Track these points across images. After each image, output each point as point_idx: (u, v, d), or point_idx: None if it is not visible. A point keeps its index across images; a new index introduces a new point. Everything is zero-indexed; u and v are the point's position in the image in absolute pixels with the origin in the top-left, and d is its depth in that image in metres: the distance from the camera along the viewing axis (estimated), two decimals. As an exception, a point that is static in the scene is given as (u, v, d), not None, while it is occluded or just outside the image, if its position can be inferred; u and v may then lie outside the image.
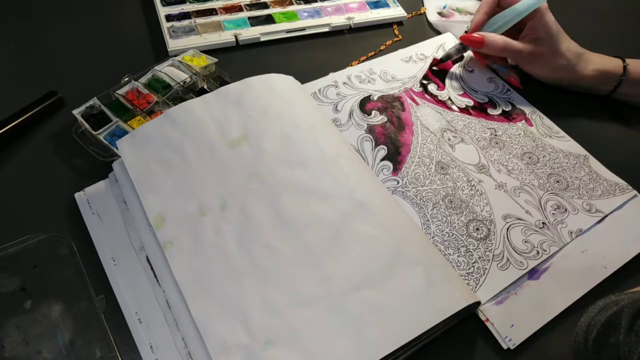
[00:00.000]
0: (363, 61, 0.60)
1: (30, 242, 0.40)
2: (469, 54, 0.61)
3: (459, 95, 0.57)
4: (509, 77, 0.59)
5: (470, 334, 0.40)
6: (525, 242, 0.45)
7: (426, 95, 0.57)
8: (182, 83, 0.52)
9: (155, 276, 0.39)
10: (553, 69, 0.56)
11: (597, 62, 0.56)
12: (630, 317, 0.33)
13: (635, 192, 0.50)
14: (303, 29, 0.63)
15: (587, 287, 0.43)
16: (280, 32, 0.62)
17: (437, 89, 0.58)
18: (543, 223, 0.46)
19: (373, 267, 0.38)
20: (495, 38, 0.55)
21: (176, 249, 0.38)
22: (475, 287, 0.42)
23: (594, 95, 0.58)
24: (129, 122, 0.49)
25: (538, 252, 0.44)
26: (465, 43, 0.57)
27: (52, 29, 0.60)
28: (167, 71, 0.53)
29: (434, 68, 0.60)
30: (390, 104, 0.55)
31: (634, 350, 0.31)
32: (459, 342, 0.40)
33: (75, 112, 0.49)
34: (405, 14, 0.67)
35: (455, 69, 0.60)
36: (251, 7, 0.64)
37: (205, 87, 0.54)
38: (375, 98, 0.55)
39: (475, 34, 0.55)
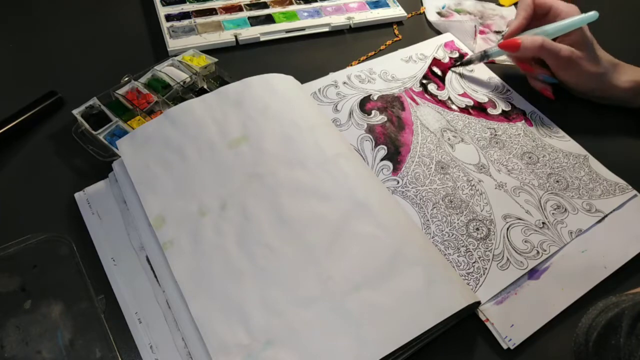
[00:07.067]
0: (363, 61, 0.60)
1: (30, 242, 0.40)
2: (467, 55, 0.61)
3: (459, 95, 0.57)
4: (544, 89, 0.57)
5: (470, 334, 0.40)
6: (525, 242, 0.45)
7: (426, 95, 0.57)
8: (182, 83, 0.52)
9: (155, 276, 0.39)
10: (588, 76, 0.54)
11: (632, 74, 0.55)
12: (630, 319, 0.33)
13: (635, 192, 0.50)
14: (303, 29, 0.63)
15: (587, 287, 0.43)
16: (280, 32, 0.62)
17: (437, 89, 0.58)
18: (543, 223, 0.46)
19: (373, 267, 0.38)
20: (534, 37, 0.53)
21: (176, 249, 0.38)
22: (475, 287, 0.42)
23: (623, 108, 0.57)
24: (128, 122, 0.49)
25: (538, 252, 0.44)
26: (502, 48, 0.55)
27: (52, 29, 0.60)
28: (167, 71, 0.53)
29: (452, 70, 0.60)
30: (390, 104, 0.55)
31: (634, 353, 0.31)
32: (459, 342, 0.40)
33: (75, 112, 0.49)
34: (405, 14, 0.67)
35: (456, 68, 0.60)
36: (251, 6, 0.64)
37: (205, 87, 0.54)
38: (375, 98, 0.55)
39: (513, 38, 0.54)
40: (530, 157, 0.52)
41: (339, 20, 0.64)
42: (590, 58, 0.54)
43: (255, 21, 0.63)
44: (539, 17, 0.57)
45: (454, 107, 0.56)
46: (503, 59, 0.62)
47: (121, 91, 0.51)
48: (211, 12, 0.63)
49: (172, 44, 0.58)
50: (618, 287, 0.43)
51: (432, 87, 0.58)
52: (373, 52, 0.62)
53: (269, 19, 0.63)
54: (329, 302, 0.36)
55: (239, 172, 0.42)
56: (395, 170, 0.49)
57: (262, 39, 0.61)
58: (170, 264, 0.38)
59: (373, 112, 0.54)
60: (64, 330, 0.37)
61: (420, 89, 0.57)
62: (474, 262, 0.43)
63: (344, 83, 0.56)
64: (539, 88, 0.58)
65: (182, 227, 0.39)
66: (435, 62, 0.60)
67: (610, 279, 0.43)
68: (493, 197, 0.48)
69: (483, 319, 0.41)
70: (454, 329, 0.40)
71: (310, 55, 0.61)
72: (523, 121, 0.55)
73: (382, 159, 0.50)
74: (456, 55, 0.62)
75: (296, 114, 0.46)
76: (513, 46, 0.54)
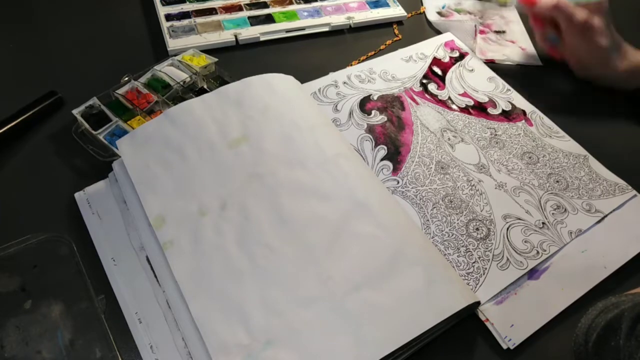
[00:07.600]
0: (363, 61, 0.60)
1: (30, 242, 0.40)
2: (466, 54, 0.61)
3: (459, 94, 0.57)
4: (551, 49, 0.59)
5: (470, 334, 0.40)
6: (525, 242, 0.45)
7: (426, 95, 0.57)
8: (182, 83, 0.52)
9: (155, 276, 0.39)
10: (593, 48, 0.55)
11: (632, 56, 0.56)
12: (630, 321, 0.33)
13: (634, 192, 0.50)
14: (303, 29, 0.63)
15: (587, 287, 0.43)
16: (280, 32, 0.62)
17: (437, 89, 0.58)
18: (543, 223, 0.46)
19: (373, 267, 0.38)
20: None
21: (176, 249, 0.38)
22: (475, 287, 0.42)
23: (616, 92, 0.58)
24: (128, 122, 0.49)
25: (538, 252, 0.44)
26: (521, 2, 0.58)
27: (52, 29, 0.60)
28: (167, 71, 0.53)
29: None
30: (390, 104, 0.55)
31: (634, 355, 0.31)
32: (459, 342, 0.40)
33: (75, 112, 0.49)
34: (405, 14, 0.67)
35: (456, 68, 0.60)
36: (251, 6, 0.64)
37: (205, 86, 0.54)
38: (375, 98, 0.55)
39: None
40: (530, 157, 0.52)
41: (338, 20, 0.64)
42: (601, 30, 0.54)
43: (255, 21, 0.63)
44: None
45: (454, 106, 0.56)
46: (503, 58, 0.63)
47: (121, 91, 0.51)
48: (211, 11, 0.63)
49: (172, 43, 0.58)
50: (618, 287, 0.43)
51: (432, 87, 0.58)
52: (373, 52, 0.62)
53: (269, 19, 0.63)
54: (329, 302, 0.36)
55: (239, 172, 0.42)
56: (395, 170, 0.49)
57: (262, 38, 0.61)
58: (170, 264, 0.38)
59: (373, 112, 0.54)
60: (64, 330, 0.37)
61: (421, 88, 0.57)
62: (473, 262, 0.43)
63: (344, 83, 0.56)
64: (546, 48, 0.60)
65: (182, 227, 0.39)
66: (436, 61, 0.60)
67: (610, 279, 0.43)
68: (493, 197, 0.48)
69: (483, 319, 0.41)
70: (454, 329, 0.40)
71: (310, 55, 0.61)
72: (523, 121, 0.55)
73: (382, 159, 0.50)
74: (456, 54, 0.62)
75: (296, 114, 0.46)
76: (531, 2, 0.57)
